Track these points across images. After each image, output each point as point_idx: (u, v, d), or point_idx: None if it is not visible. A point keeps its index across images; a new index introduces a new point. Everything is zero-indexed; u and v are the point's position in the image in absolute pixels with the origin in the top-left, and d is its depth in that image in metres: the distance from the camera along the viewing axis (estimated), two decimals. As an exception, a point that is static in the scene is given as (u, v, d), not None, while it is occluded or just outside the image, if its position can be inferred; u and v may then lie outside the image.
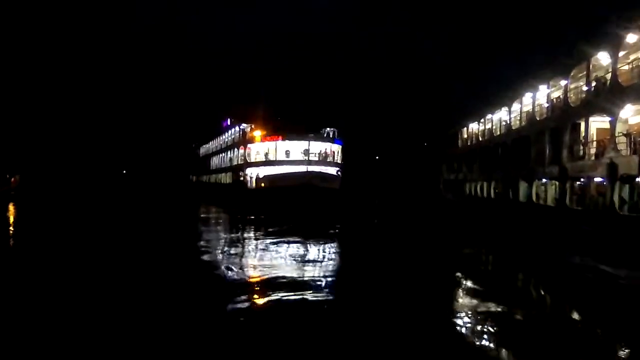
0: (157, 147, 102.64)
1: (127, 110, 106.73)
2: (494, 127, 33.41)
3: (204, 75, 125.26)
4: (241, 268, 14.53)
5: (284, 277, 12.97)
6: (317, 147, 40.15)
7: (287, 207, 31.40)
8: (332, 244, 19.71)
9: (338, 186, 38.19)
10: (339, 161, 42.11)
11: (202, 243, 19.51)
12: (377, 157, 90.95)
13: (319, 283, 12.61)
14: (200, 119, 78.15)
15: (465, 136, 39.91)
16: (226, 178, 51.82)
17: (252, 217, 30.64)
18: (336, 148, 42.33)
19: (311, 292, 11.51)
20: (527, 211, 24.89)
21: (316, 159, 39.22)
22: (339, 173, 40.33)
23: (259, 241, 19.97)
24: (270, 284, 12.23)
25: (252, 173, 41.59)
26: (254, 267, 14.82)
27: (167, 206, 41.80)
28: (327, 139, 41.94)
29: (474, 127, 38.05)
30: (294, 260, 15.78)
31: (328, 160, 40.57)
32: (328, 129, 43.01)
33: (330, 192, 35.29)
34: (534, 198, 24.98)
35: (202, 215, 34.45)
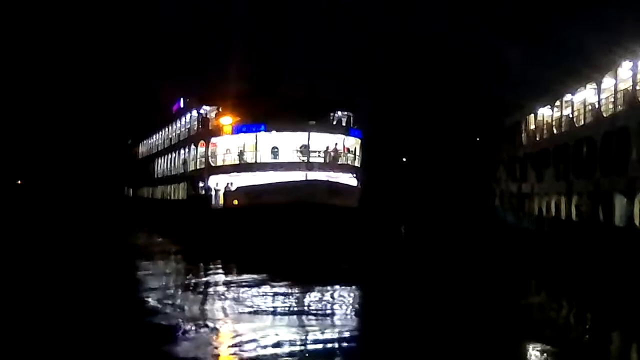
0: (72, 147, 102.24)
1: (21, 90, 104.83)
2: (575, 114, 34.13)
3: (141, 32, 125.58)
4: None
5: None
6: (323, 141, 39.91)
7: (274, 240, 31.61)
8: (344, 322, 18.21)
9: (355, 202, 38.62)
10: (357, 163, 42.07)
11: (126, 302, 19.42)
12: (404, 159, 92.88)
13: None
14: (138, 101, 79.56)
15: (532, 127, 41.11)
16: (178, 191, 52.43)
17: (217, 257, 30.88)
18: (352, 142, 42.33)
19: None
20: (626, 241, 25.20)
21: (321, 160, 39.17)
22: (356, 182, 40.60)
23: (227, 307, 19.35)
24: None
25: (218, 184, 41.57)
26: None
27: (80, 238, 41.48)
28: (339, 129, 42.09)
29: (544, 113, 39.01)
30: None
31: (340, 162, 40.62)
32: (339, 112, 43.31)
33: (343, 214, 35.37)
34: (636, 221, 25.48)
35: (134, 252, 34.83)
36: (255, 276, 23.77)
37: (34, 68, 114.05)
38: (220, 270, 26.81)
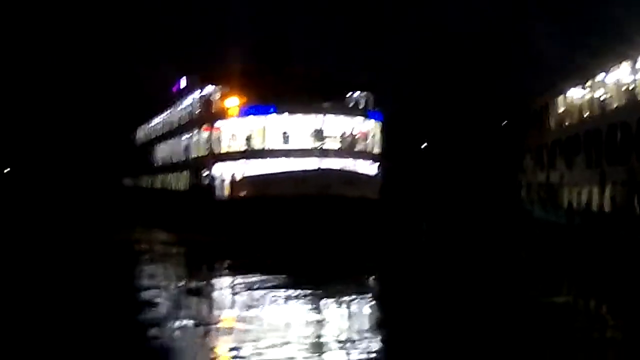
0: (66, 131, 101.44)
1: (8, 71, 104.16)
2: (607, 96, 33.62)
3: (140, 6, 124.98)
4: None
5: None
6: (339, 125, 40.00)
7: (285, 235, 31.92)
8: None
9: (375, 193, 38.73)
10: (377, 149, 42.21)
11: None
12: (424, 145, 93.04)
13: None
14: (137, 81, 79.32)
15: (561, 110, 40.73)
16: (179, 180, 52.57)
17: (221, 256, 31.15)
18: (371, 126, 42.20)
19: None
20: None
21: (337, 146, 39.33)
22: (375, 170, 40.83)
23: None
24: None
25: (224, 172, 41.58)
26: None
27: (71, 235, 41.19)
28: (356, 111, 42.03)
29: (574, 95, 38.50)
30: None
31: (358, 148, 40.67)
32: (358, 92, 43.23)
33: (363, 206, 35.42)
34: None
35: (130, 248, 35.24)
36: (263, 279, 23.22)
37: (23, 48, 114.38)
38: (225, 272, 26.60)
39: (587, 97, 36.39)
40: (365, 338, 15.81)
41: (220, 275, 25.50)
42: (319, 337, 15.94)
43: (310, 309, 18.76)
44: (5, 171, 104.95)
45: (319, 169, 36.05)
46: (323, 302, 19.57)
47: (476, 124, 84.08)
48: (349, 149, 39.73)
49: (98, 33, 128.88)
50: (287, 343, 14.81)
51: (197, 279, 24.78)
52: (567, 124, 39.74)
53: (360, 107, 42.70)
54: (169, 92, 58.17)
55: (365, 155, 40.63)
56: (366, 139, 41.32)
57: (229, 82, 42.51)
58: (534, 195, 44.41)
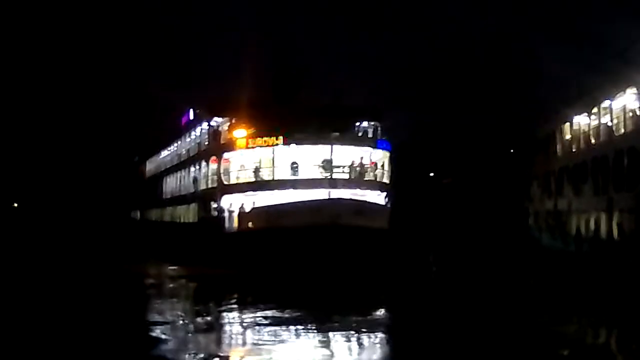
0: (74, 166, 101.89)
1: (18, 105, 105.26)
2: (614, 122, 34.12)
3: (146, 41, 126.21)
4: None
5: None
6: (348, 154, 39.79)
7: (294, 266, 31.76)
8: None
9: (385, 223, 38.63)
10: (386, 179, 41.93)
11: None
12: (431, 174, 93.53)
13: None
14: (145, 115, 79.34)
15: (568, 138, 41.29)
16: (188, 213, 52.39)
17: (232, 288, 31.27)
18: (380, 156, 42.19)
19: None
20: None
21: (346, 175, 39.20)
22: (385, 200, 40.85)
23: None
24: None
25: (232, 204, 41.24)
26: None
27: (80, 269, 41.00)
28: (365, 140, 41.92)
29: (580, 121, 39.07)
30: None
31: (367, 178, 40.34)
32: (365, 123, 43.13)
33: (372, 236, 35.13)
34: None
35: (138, 282, 35.04)
36: (273, 313, 23.04)
37: (33, 80, 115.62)
38: (234, 306, 26.15)
39: (594, 123, 36.69)
40: None
41: (230, 310, 25.13)
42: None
43: (321, 344, 18.61)
44: (14, 205, 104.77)
45: (328, 199, 35.86)
46: (333, 336, 19.37)
47: (484, 152, 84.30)
48: (358, 178, 39.40)
49: (107, 66, 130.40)
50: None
51: (206, 313, 24.56)
52: (574, 150, 40.09)
53: (369, 136, 42.51)
54: (178, 124, 58.18)
55: (374, 184, 40.31)
56: (375, 169, 41.05)
57: (236, 113, 42.39)
58: (542, 222, 44.53)
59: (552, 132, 43.94)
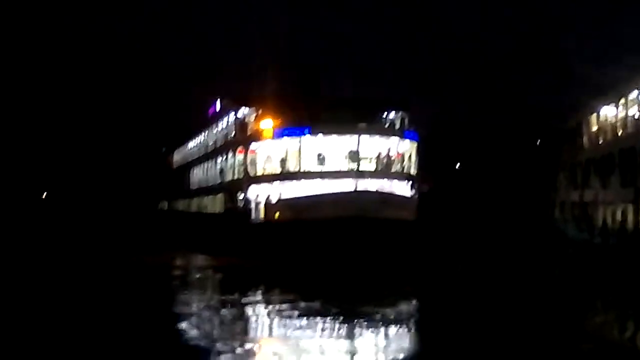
0: (103, 157, 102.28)
1: (48, 96, 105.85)
2: None
3: (175, 32, 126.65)
4: None
5: None
6: (374, 145, 39.71)
7: (321, 258, 31.92)
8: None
9: (412, 214, 38.55)
10: (413, 170, 41.79)
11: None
12: (457, 165, 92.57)
13: None
14: (173, 106, 77.70)
15: (595, 129, 41.06)
16: (215, 203, 52.70)
17: (258, 279, 31.08)
18: (407, 147, 41.87)
19: None
20: None
21: (372, 167, 39.22)
22: (412, 191, 40.68)
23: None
24: None
25: (258, 195, 41.69)
26: None
27: (104, 255, 42.08)
28: (392, 131, 41.80)
29: (608, 112, 38.69)
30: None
31: (394, 169, 40.41)
32: (393, 113, 43.13)
33: (400, 227, 35.20)
34: None
35: (164, 273, 35.17)
36: (299, 304, 22.99)
37: (61, 75, 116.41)
38: (260, 297, 26.06)
39: (621, 114, 36.47)
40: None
41: (255, 301, 25.03)
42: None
43: (346, 334, 18.55)
44: (43, 196, 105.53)
45: (354, 190, 35.78)
46: (357, 326, 19.26)
47: (511, 143, 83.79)
48: (385, 170, 39.38)
49: (138, 57, 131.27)
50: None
51: (232, 304, 24.42)
52: (600, 142, 39.93)
53: (396, 127, 42.50)
54: (205, 115, 58.50)
55: (401, 176, 40.27)
56: (402, 160, 41.00)
57: (264, 104, 42.43)
58: (568, 214, 44.35)
59: (579, 124, 43.80)
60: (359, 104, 41.46)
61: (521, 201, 66.95)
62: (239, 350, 16.55)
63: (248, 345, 17.38)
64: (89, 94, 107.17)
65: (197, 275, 34.29)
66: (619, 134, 36.75)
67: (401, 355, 16.78)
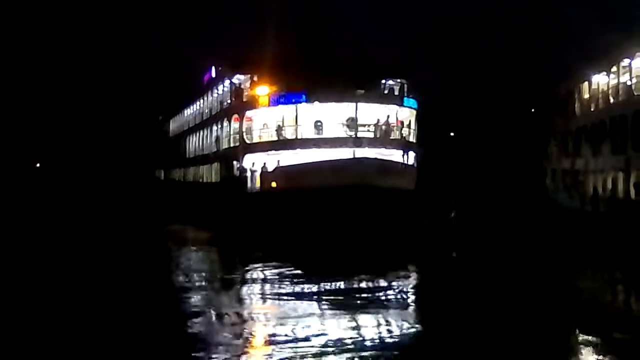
0: (97, 125, 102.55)
1: (39, 65, 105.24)
2: (633, 81, 34.01)
3: None
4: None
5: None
6: (373, 112, 39.50)
7: (318, 227, 31.44)
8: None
9: (411, 183, 38.48)
10: (412, 138, 41.80)
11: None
12: (452, 134, 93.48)
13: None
14: (168, 72, 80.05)
15: (586, 97, 41.21)
16: (210, 173, 52.88)
17: (254, 248, 31.33)
18: (407, 114, 41.72)
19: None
20: None
21: (371, 134, 39.08)
22: (411, 159, 40.68)
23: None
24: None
25: (254, 163, 41.60)
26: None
27: (99, 226, 42.02)
28: (391, 98, 41.79)
29: (599, 81, 38.96)
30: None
31: (393, 136, 40.20)
32: (391, 80, 43.41)
33: (399, 196, 35.00)
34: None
35: (160, 243, 35.30)
36: (295, 273, 23.69)
37: (52, 41, 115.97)
38: (256, 267, 25.95)
39: (613, 82, 36.69)
40: (397, 336, 15.83)
41: (251, 270, 25.09)
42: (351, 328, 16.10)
43: (342, 305, 18.66)
44: (37, 165, 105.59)
45: (353, 158, 35.68)
46: (353, 297, 19.54)
47: (505, 111, 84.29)
48: (383, 137, 39.25)
49: (131, 24, 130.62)
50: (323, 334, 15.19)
51: (227, 274, 24.59)
52: (592, 110, 40.09)
53: (395, 94, 42.41)
54: (201, 82, 58.33)
55: (399, 144, 40.10)
56: (402, 127, 40.83)
57: (259, 70, 42.45)
58: (559, 182, 44.68)
59: (571, 91, 44.04)
60: (358, 70, 40.32)
61: (514, 170, 67.56)
62: (233, 318, 16.81)
63: (241, 312, 17.66)
64: (84, 63, 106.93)
65: (192, 247, 34.17)
66: (611, 101, 37.09)
67: (398, 331, 16.60)
